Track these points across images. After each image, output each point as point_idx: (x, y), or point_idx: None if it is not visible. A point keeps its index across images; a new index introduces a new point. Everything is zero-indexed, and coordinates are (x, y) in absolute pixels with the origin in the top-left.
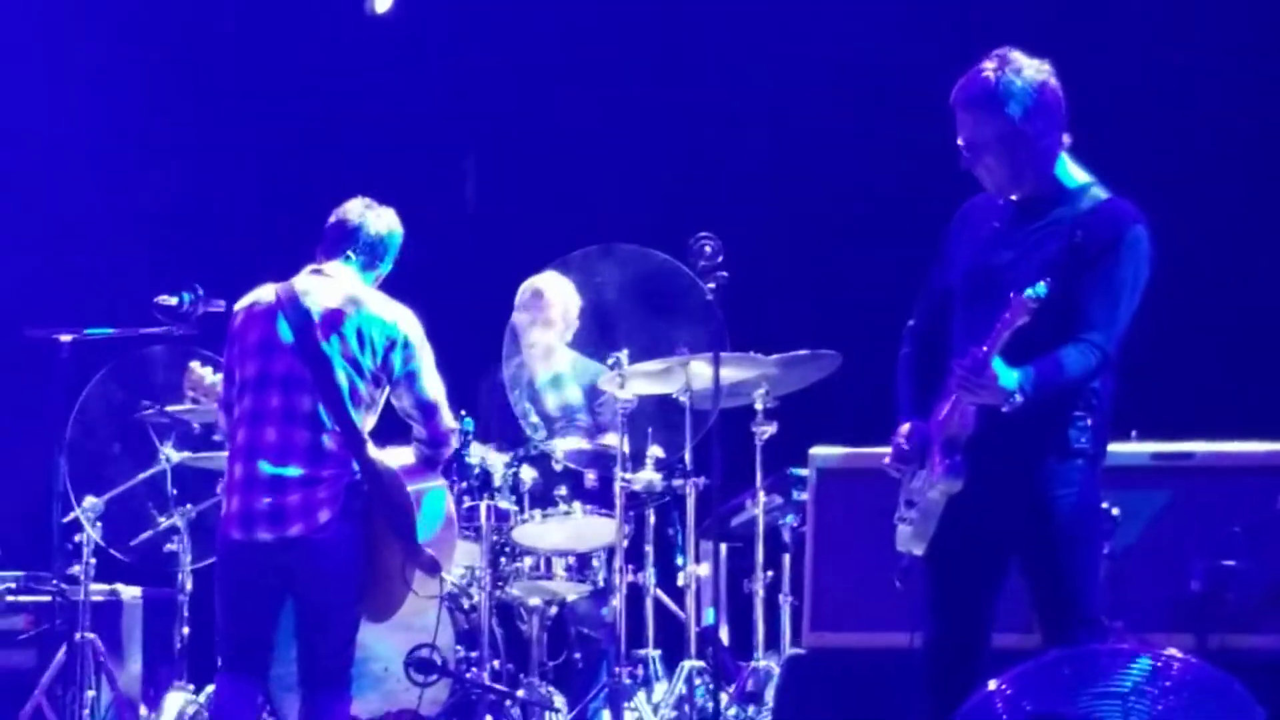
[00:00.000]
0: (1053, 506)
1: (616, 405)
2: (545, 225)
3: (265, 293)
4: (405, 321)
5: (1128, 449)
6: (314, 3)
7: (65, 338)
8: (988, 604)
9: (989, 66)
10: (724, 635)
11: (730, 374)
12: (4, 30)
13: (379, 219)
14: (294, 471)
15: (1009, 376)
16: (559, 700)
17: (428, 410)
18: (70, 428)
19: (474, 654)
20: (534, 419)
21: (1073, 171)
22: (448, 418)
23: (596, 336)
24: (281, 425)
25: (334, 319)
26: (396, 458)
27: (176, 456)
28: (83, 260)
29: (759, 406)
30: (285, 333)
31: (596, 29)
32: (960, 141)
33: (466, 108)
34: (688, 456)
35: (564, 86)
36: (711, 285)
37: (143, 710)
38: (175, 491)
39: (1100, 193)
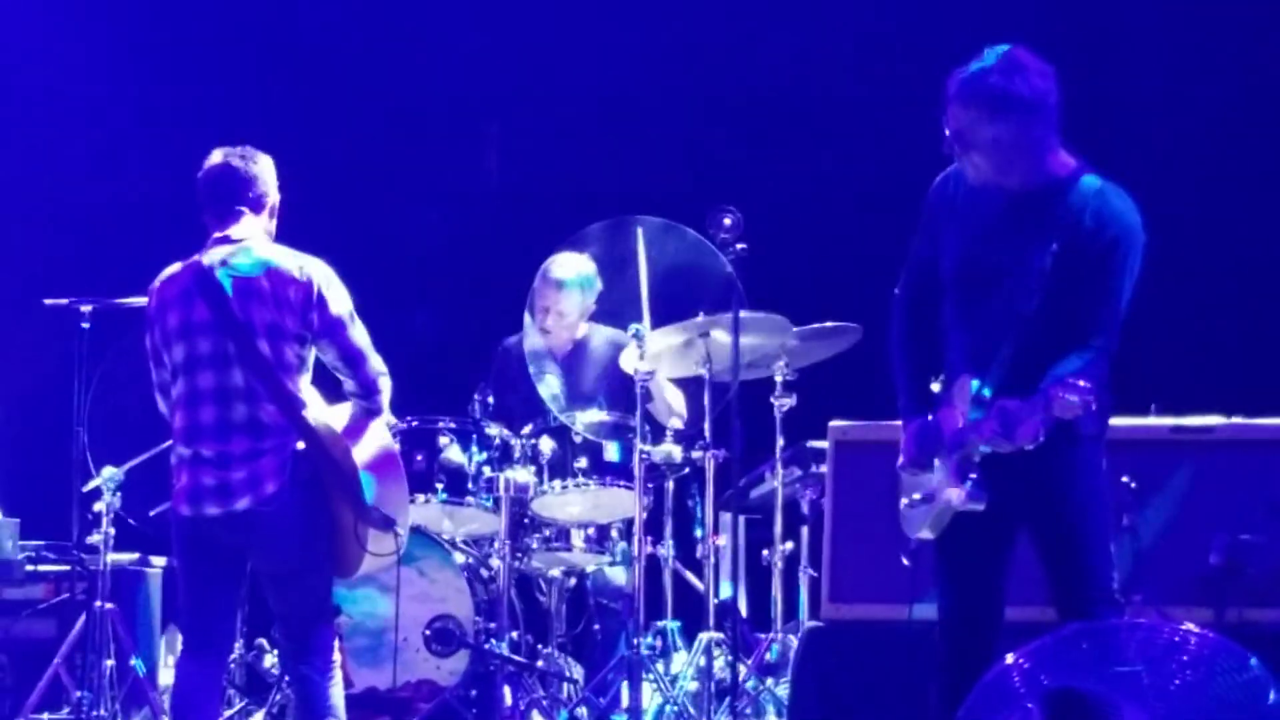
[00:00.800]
0: (1064, 490)
1: (638, 377)
2: (567, 196)
3: (176, 272)
4: (318, 274)
5: (1147, 423)
6: None
7: (85, 307)
8: (999, 579)
9: (996, 68)
10: (742, 607)
11: (751, 340)
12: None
13: (245, 158)
14: (236, 448)
15: (1035, 429)
16: (577, 671)
17: (353, 359)
18: (90, 397)
19: (493, 625)
20: (554, 390)
21: (1062, 158)
22: (375, 363)
23: (617, 309)
24: (217, 404)
25: (247, 288)
26: (338, 412)
27: None
28: (103, 229)
29: (778, 379)
30: (201, 312)
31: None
32: (949, 132)
33: (489, 77)
34: (707, 429)
35: (587, 56)
36: (732, 257)
37: (161, 679)
38: None
39: (1090, 181)
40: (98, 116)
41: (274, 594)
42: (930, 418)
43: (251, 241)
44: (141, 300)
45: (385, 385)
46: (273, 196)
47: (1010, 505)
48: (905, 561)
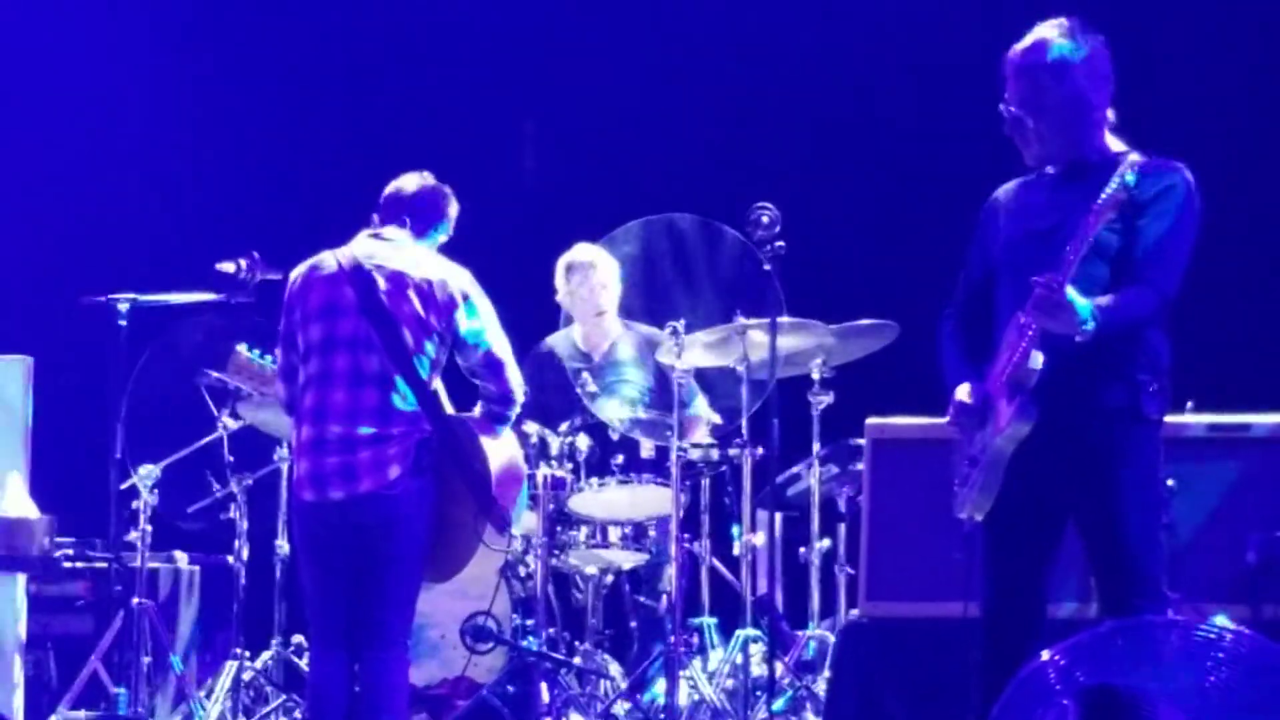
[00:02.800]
0: (1120, 474)
1: (676, 376)
2: (603, 194)
3: (325, 258)
4: (466, 281)
5: (1184, 420)
6: None
7: (123, 305)
8: (1044, 573)
9: (1052, 34)
10: (779, 604)
11: (788, 342)
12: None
13: (434, 190)
14: (364, 430)
15: (1082, 304)
16: (614, 668)
17: (495, 366)
18: (127, 395)
19: (530, 622)
20: (591, 388)
21: (1113, 140)
22: (515, 374)
23: (654, 307)
24: (350, 386)
25: (397, 280)
26: (473, 413)
27: (233, 424)
28: (141, 227)
29: (816, 376)
30: (349, 295)
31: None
32: (1010, 107)
33: (525, 75)
34: (744, 426)
35: (623, 54)
36: (769, 255)
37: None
38: (232, 459)
39: (1140, 156)
40: (136, 115)
41: (368, 576)
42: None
43: (406, 242)
44: (178, 297)
45: (520, 397)
46: (437, 234)
47: (1059, 492)
48: (957, 556)
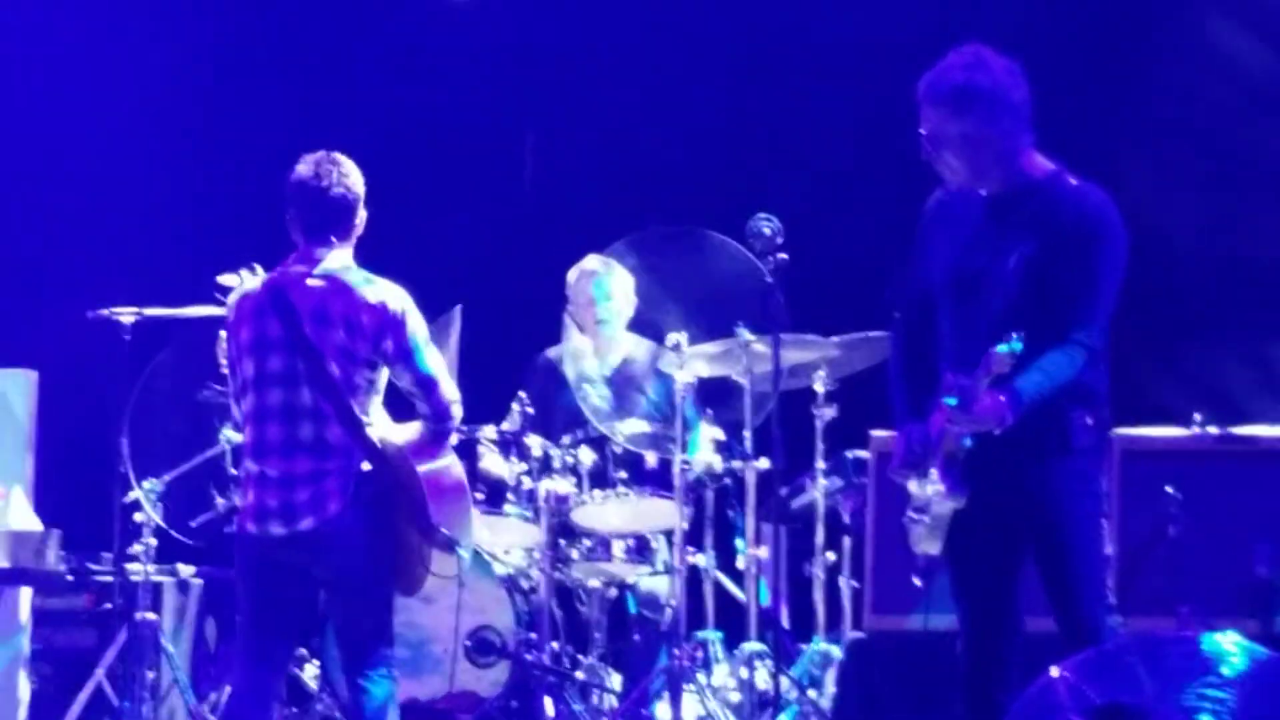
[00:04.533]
0: (1058, 501)
1: (678, 389)
2: (603, 206)
3: (252, 287)
4: (393, 300)
5: (1192, 433)
6: None
7: (126, 318)
8: (1012, 591)
9: (957, 65)
10: (784, 618)
11: (790, 356)
12: (65, 11)
13: (343, 176)
14: (300, 468)
15: (991, 415)
16: (618, 682)
17: (426, 385)
18: (131, 408)
19: (533, 636)
20: (594, 401)
21: (1038, 162)
22: (448, 390)
23: (655, 319)
24: (284, 422)
25: (321, 310)
26: (406, 433)
27: (237, 437)
28: (143, 240)
29: (819, 389)
30: (274, 329)
31: (656, 10)
32: (922, 134)
33: (525, 87)
34: (748, 439)
35: (623, 66)
36: (770, 266)
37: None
38: (235, 473)
39: (1069, 181)
40: (139, 129)
41: (336, 608)
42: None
43: (332, 264)
44: (182, 311)
45: (457, 412)
46: (361, 218)
47: (1011, 519)
48: (916, 581)
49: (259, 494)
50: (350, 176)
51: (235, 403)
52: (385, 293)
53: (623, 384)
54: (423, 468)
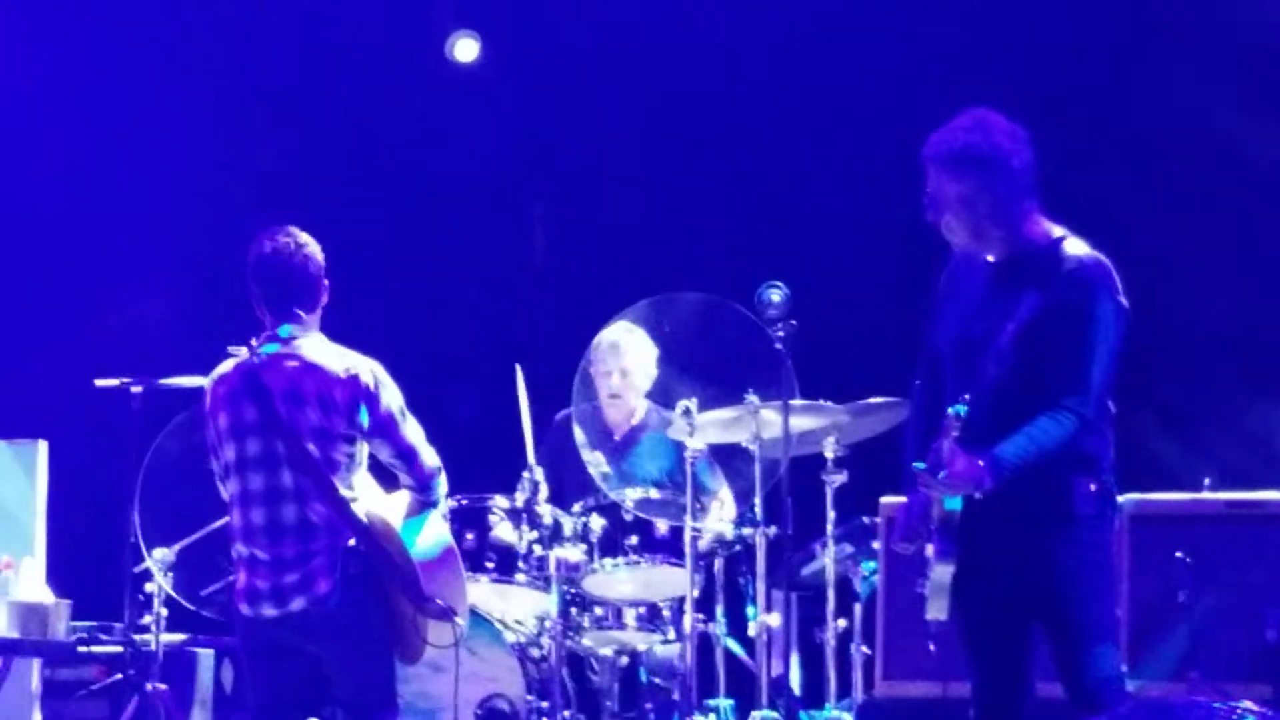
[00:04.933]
0: (1063, 571)
1: (688, 455)
2: (613, 274)
3: (226, 372)
4: (365, 373)
5: (1202, 498)
6: (391, 51)
7: (136, 388)
8: (1023, 657)
9: (959, 127)
10: (796, 685)
11: (800, 422)
12: (76, 82)
13: (299, 249)
14: (288, 550)
15: (967, 479)
16: None
17: (406, 456)
18: (142, 478)
19: (545, 704)
20: (605, 469)
21: (1043, 227)
22: (428, 458)
23: (665, 385)
24: (267, 506)
25: (293, 390)
26: (393, 504)
27: None
28: (152, 310)
29: (829, 455)
30: (249, 414)
31: (665, 79)
32: (926, 195)
33: (535, 156)
34: (758, 506)
35: (632, 136)
36: (780, 333)
37: None
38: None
39: (1070, 248)
40: (148, 199)
41: (336, 684)
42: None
43: (300, 341)
44: (192, 380)
45: (441, 479)
46: (325, 290)
47: (1018, 587)
48: (931, 647)
49: (250, 576)
50: (308, 247)
51: (221, 484)
52: (357, 366)
53: (638, 452)
54: (412, 535)
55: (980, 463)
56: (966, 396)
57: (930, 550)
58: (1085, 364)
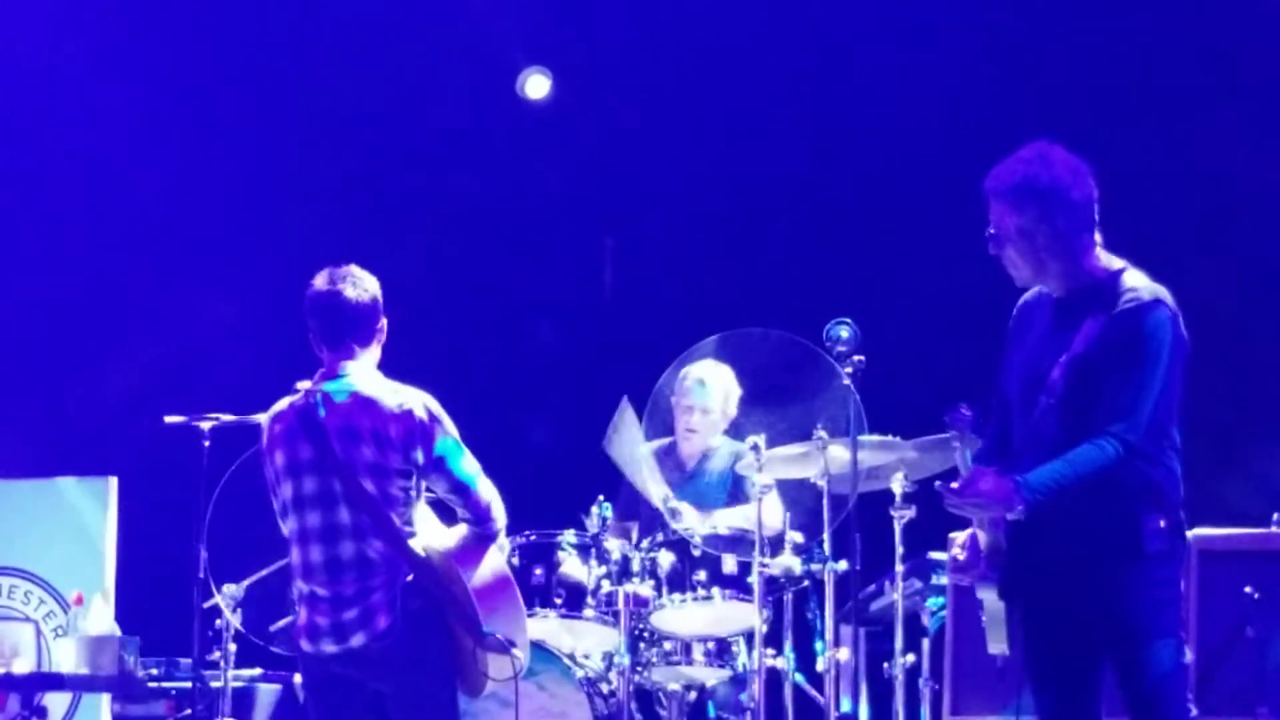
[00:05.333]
0: (1132, 608)
1: (756, 489)
2: (683, 308)
3: (283, 409)
4: (419, 408)
5: (1272, 533)
6: (463, 87)
7: (206, 425)
8: (1091, 696)
9: (1020, 159)
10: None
11: (869, 458)
12: (155, 117)
13: (356, 286)
14: (347, 588)
15: (1002, 489)
16: None
17: (462, 490)
18: (210, 514)
19: None
20: (674, 503)
21: (1103, 260)
22: (485, 490)
23: (735, 421)
24: (325, 543)
25: (348, 427)
26: (451, 538)
27: None
28: (223, 346)
29: (897, 490)
30: (305, 452)
31: (734, 116)
32: (989, 229)
33: (605, 191)
34: (826, 541)
35: (701, 171)
36: (849, 369)
37: None
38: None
39: (1130, 279)
40: (222, 234)
41: (398, 717)
42: None
43: (355, 377)
44: (260, 417)
45: (498, 512)
46: (381, 324)
47: (1087, 624)
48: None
49: (310, 613)
50: (364, 282)
51: (281, 521)
52: (411, 401)
53: (703, 479)
54: (470, 571)
55: (1009, 484)
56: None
57: (981, 583)
58: (1135, 390)
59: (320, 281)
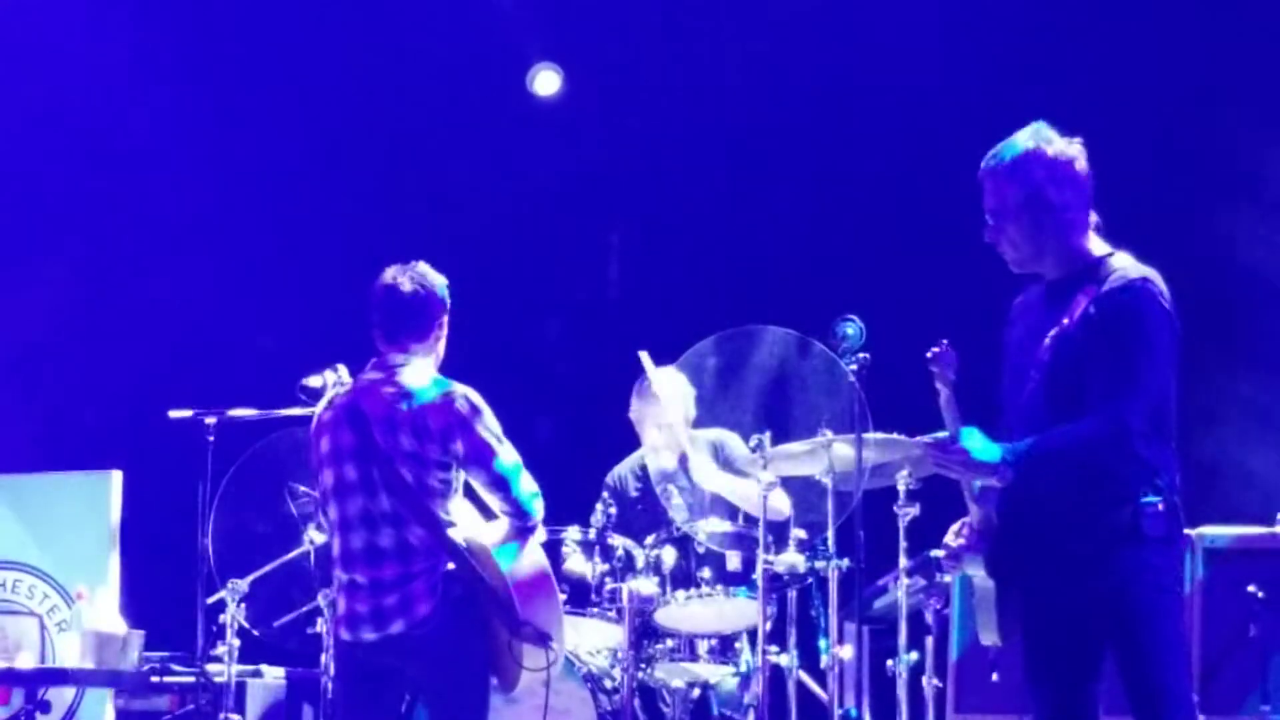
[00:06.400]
0: (1133, 594)
1: (761, 490)
2: (687, 306)
3: (334, 398)
4: (460, 401)
5: (1276, 532)
6: (473, 83)
7: (211, 420)
8: (1087, 687)
9: (1020, 136)
10: (867, 717)
11: (874, 455)
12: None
13: (419, 289)
14: (387, 573)
15: (989, 451)
16: None
17: (501, 484)
18: (215, 509)
19: None
20: (676, 500)
21: (1095, 245)
22: (525, 484)
23: (738, 418)
24: (366, 530)
25: (389, 416)
26: (491, 531)
27: (320, 538)
28: (227, 341)
29: (902, 488)
30: (347, 439)
31: (741, 114)
32: (986, 214)
33: (610, 187)
34: (830, 538)
35: (707, 169)
36: (854, 366)
37: None
38: (319, 573)
39: (1117, 261)
40: (226, 230)
41: (431, 707)
42: None
43: (403, 370)
44: (266, 413)
45: (538, 506)
46: (443, 326)
47: (1087, 613)
48: (994, 676)
49: (350, 601)
50: (426, 279)
51: (322, 513)
52: (453, 394)
53: (690, 483)
54: (509, 563)
55: (995, 448)
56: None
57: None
58: (1126, 367)
59: (385, 275)
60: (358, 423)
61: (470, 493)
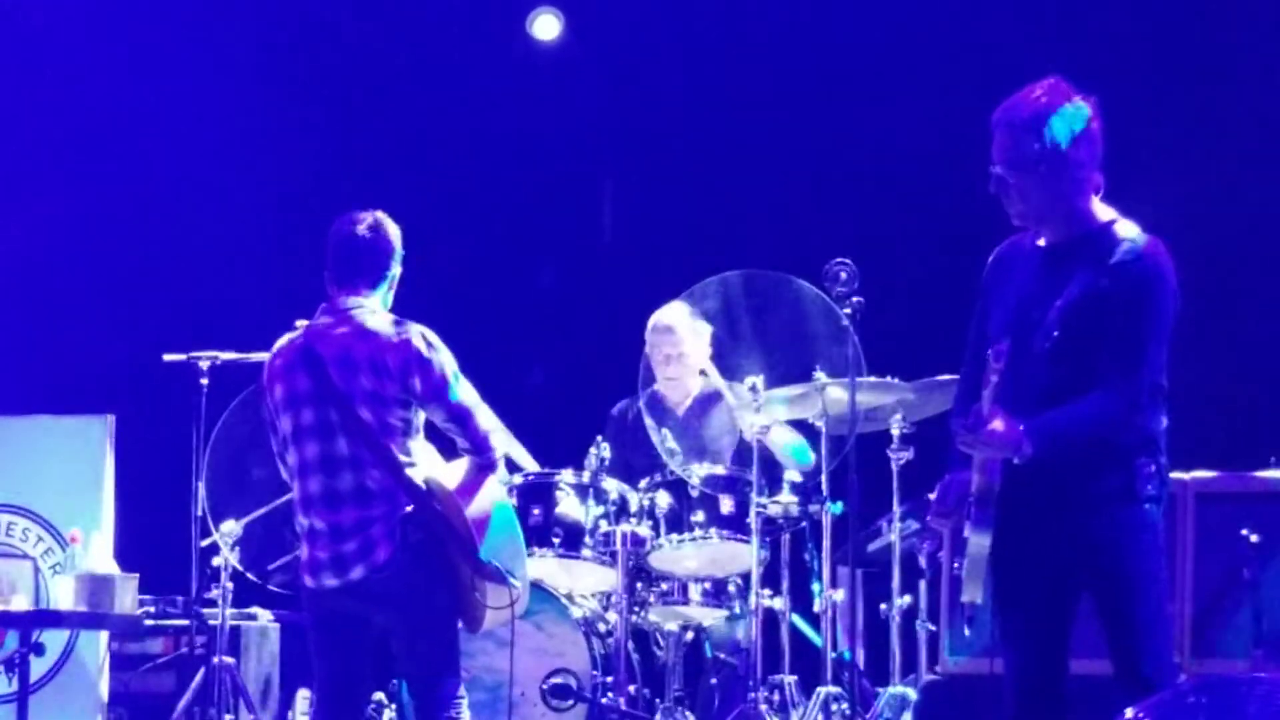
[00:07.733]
0: (1125, 551)
1: (754, 433)
2: (681, 251)
3: (284, 345)
4: (416, 338)
5: (1268, 475)
6: (471, 26)
7: (204, 363)
8: (1061, 637)
9: (1039, 90)
10: (860, 660)
11: (867, 399)
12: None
13: (373, 234)
14: (346, 518)
15: (1007, 438)
16: None
17: (460, 419)
18: (209, 452)
19: (610, 679)
20: (670, 444)
21: (1099, 210)
22: (483, 419)
23: (733, 363)
24: (324, 474)
25: (346, 357)
26: (451, 470)
27: None
28: (222, 284)
29: (895, 432)
30: (303, 383)
31: (737, 59)
32: (995, 164)
33: (603, 133)
34: (824, 482)
35: (703, 115)
36: (848, 310)
37: None
38: None
39: (1123, 230)
40: (218, 172)
41: (400, 650)
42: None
43: (356, 311)
44: (259, 355)
45: (497, 441)
46: (394, 270)
47: (1070, 566)
48: (966, 631)
49: (311, 547)
50: (382, 227)
51: (280, 461)
52: (409, 332)
53: (701, 426)
54: (469, 502)
55: (1020, 428)
56: (1005, 343)
57: (968, 526)
58: (1136, 346)
59: (340, 223)
60: (313, 366)
61: (433, 435)
